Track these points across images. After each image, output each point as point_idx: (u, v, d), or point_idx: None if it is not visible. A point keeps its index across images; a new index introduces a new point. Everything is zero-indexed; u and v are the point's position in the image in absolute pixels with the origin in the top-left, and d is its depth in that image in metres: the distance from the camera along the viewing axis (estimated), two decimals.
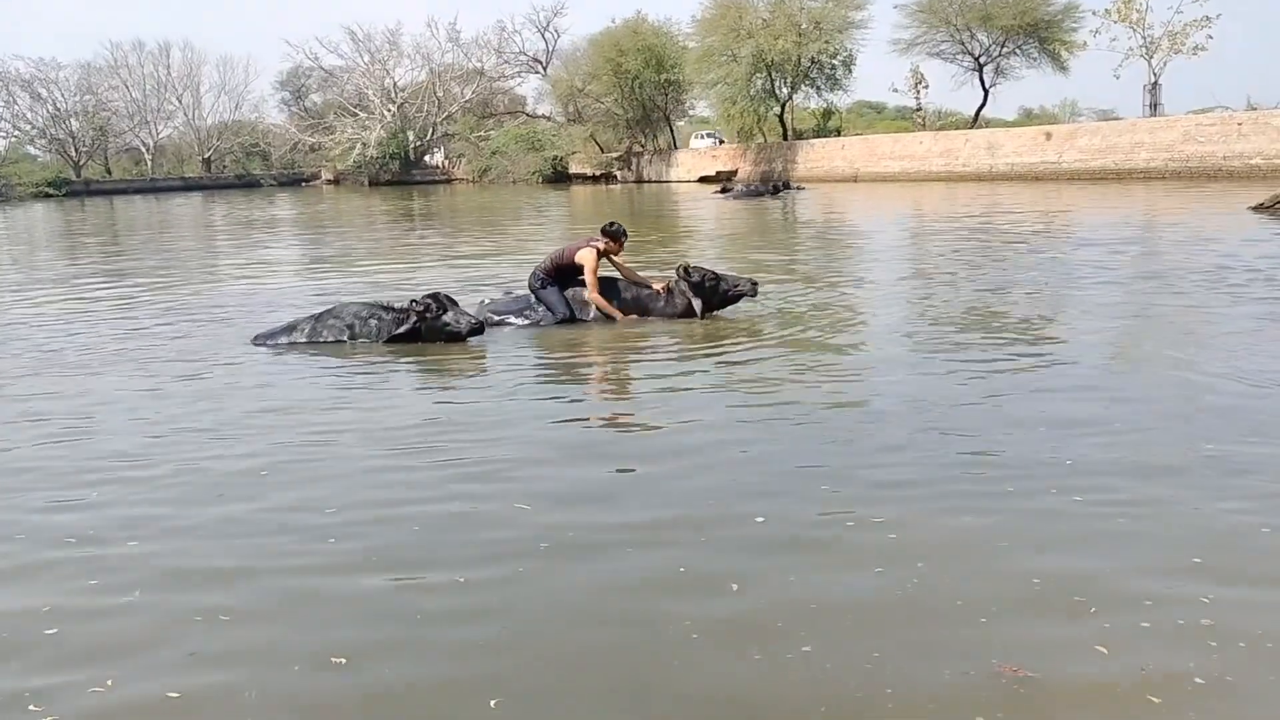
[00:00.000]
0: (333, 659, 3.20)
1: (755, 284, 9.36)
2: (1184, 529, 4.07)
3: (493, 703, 2.92)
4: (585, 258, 9.11)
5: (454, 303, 8.50)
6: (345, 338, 8.50)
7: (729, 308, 9.39)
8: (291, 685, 3.08)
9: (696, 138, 67.91)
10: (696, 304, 9.08)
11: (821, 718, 2.83)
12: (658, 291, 9.29)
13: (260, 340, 8.70)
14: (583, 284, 9.15)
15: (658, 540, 4.07)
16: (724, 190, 40.30)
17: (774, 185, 39.07)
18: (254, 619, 3.51)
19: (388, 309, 8.64)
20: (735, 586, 3.63)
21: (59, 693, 3.07)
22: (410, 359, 8.02)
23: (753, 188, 38.80)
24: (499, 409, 6.34)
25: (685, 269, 9.25)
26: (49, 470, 5.28)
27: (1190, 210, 22.14)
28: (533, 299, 9.30)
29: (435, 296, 8.45)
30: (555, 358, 8.18)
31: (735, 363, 7.51)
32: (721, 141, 60.24)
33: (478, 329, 8.42)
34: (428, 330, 8.33)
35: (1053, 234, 17.67)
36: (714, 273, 9.30)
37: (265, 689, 3.06)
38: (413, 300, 8.48)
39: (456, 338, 8.35)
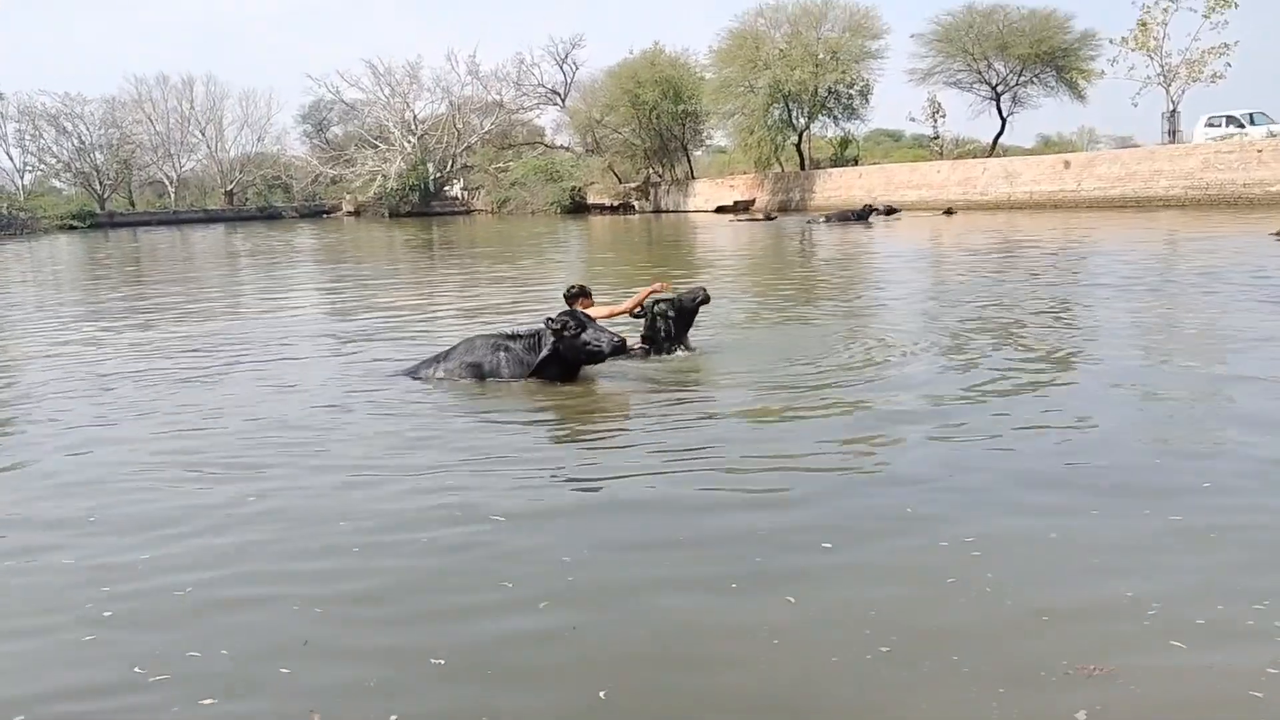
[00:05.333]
0: None
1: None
2: None
3: None
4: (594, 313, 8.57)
5: (591, 319, 7.89)
6: (476, 376, 7.99)
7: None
8: None
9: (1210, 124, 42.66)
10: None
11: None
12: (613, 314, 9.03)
13: (415, 373, 8.31)
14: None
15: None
16: (751, 215, 40.15)
17: (863, 210, 37.14)
18: None
19: (515, 337, 8.11)
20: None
21: None
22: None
23: (841, 215, 36.99)
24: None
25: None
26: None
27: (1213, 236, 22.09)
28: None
29: (572, 313, 7.86)
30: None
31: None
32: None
33: (620, 347, 7.77)
34: (567, 349, 7.72)
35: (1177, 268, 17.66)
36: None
37: None
38: (547, 319, 7.86)
39: (598, 357, 7.76)
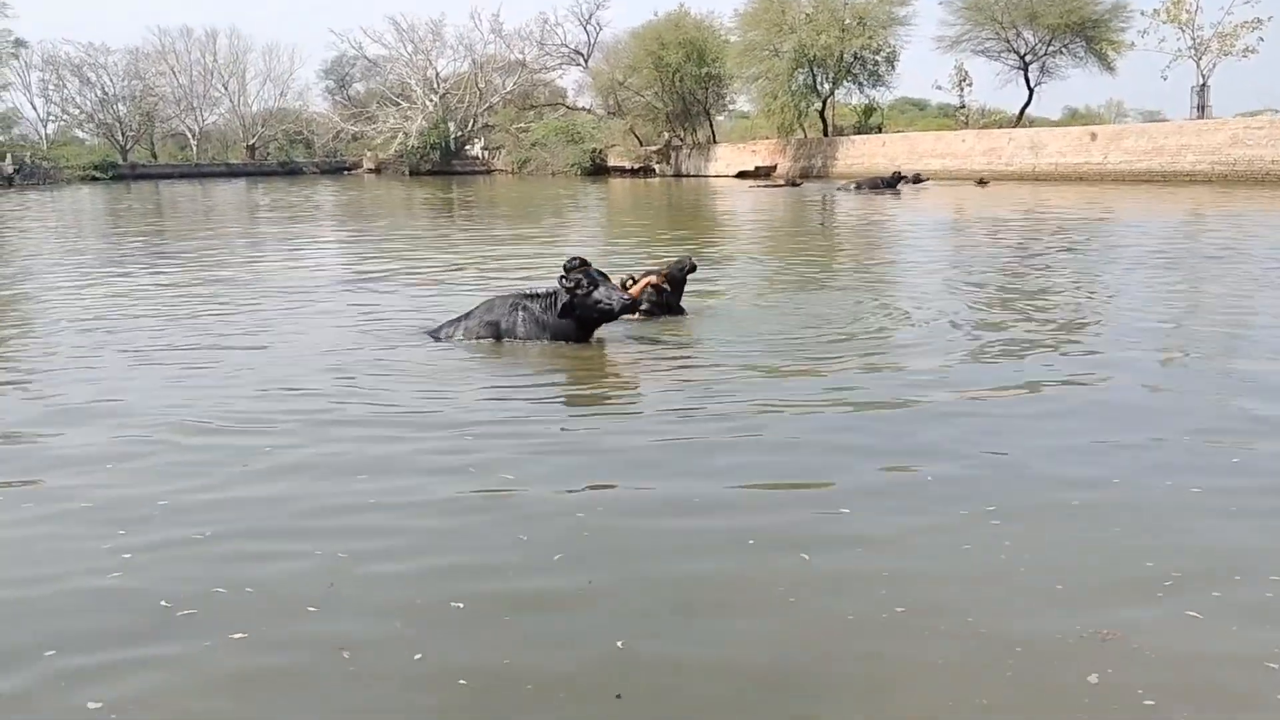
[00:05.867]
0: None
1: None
2: None
3: None
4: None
5: (605, 277, 7.87)
6: (495, 336, 8.01)
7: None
8: None
9: None
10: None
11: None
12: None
13: (436, 333, 8.33)
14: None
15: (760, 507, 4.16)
16: (768, 180, 39.80)
17: (892, 178, 36.88)
18: None
19: (533, 296, 8.11)
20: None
21: None
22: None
23: (871, 182, 36.64)
24: None
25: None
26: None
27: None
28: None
29: (585, 271, 7.80)
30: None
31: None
32: None
33: (630, 307, 7.84)
34: (579, 307, 7.72)
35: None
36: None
37: None
38: (561, 277, 7.83)
39: (609, 315, 7.80)
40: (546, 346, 7.85)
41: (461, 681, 3.01)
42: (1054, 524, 4.14)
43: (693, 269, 9.53)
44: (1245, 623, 3.29)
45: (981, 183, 38.15)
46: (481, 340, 8.03)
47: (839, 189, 36.93)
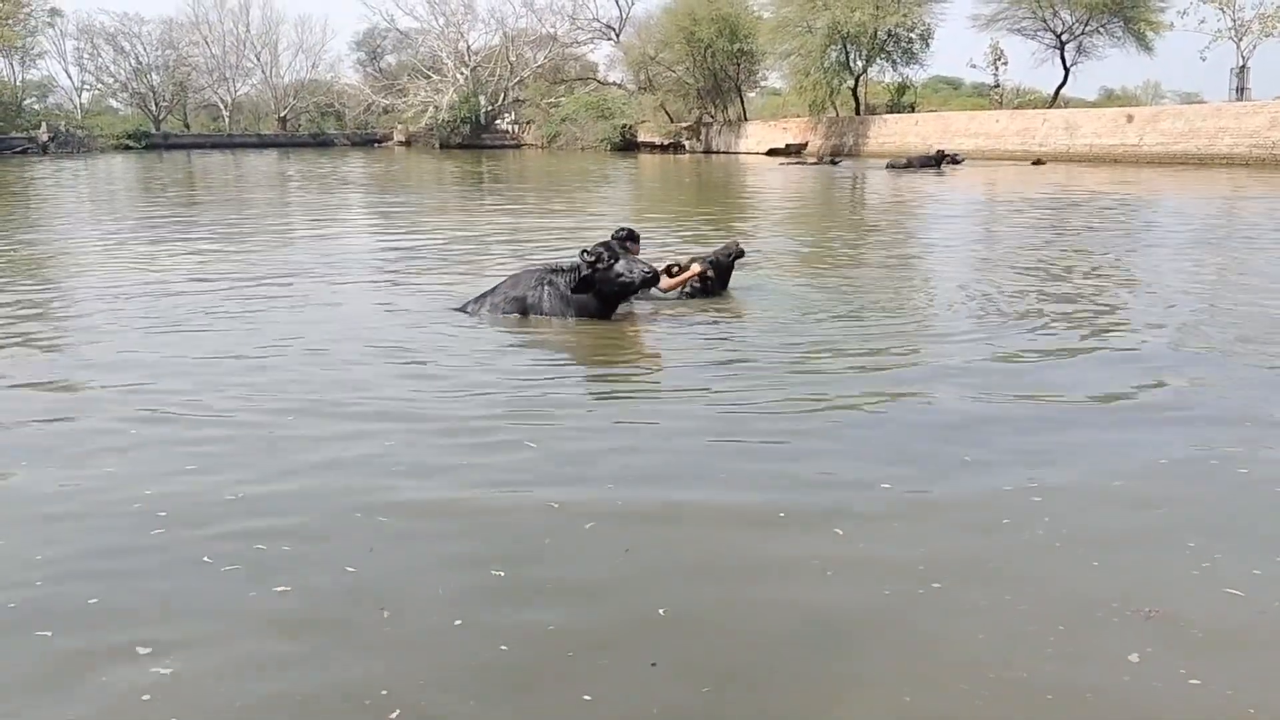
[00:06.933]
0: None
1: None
2: None
3: None
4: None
5: (626, 250, 7.87)
6: (521, 311, 7.98)
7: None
8: None
9: None
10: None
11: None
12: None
13: (465, 308, 8.30)
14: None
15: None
16: (832, 162, 39.08)
17: (936, 156, 36.73)
18: None
19: (559, 271, 8.03)
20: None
21: None
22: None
23: (915, 161, 36.43)
24: None
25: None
26: None
27: None
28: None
29: (607, 245, 7.83)
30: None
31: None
32: None
33: (651, 280, 7.73)
34: (601, 281, 7.67)
35: None
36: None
37: None
38: (583, 251, 7.82)
39: (629, 288, 7.75)
40: (570, 322, 7.81)
41: (503, 647, 3.04)
42: (1096, 501, 4.11)
43: (740, 255, 9.21)
44: None
45: (1038, 162, 37.53)
46: (508, 315, 7.99)
47: (887, 167, 36.43)
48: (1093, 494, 4.21)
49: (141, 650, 3.01)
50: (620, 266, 7.62)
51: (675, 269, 8.81)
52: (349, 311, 8.55)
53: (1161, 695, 2.78)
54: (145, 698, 2.78)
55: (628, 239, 8.79)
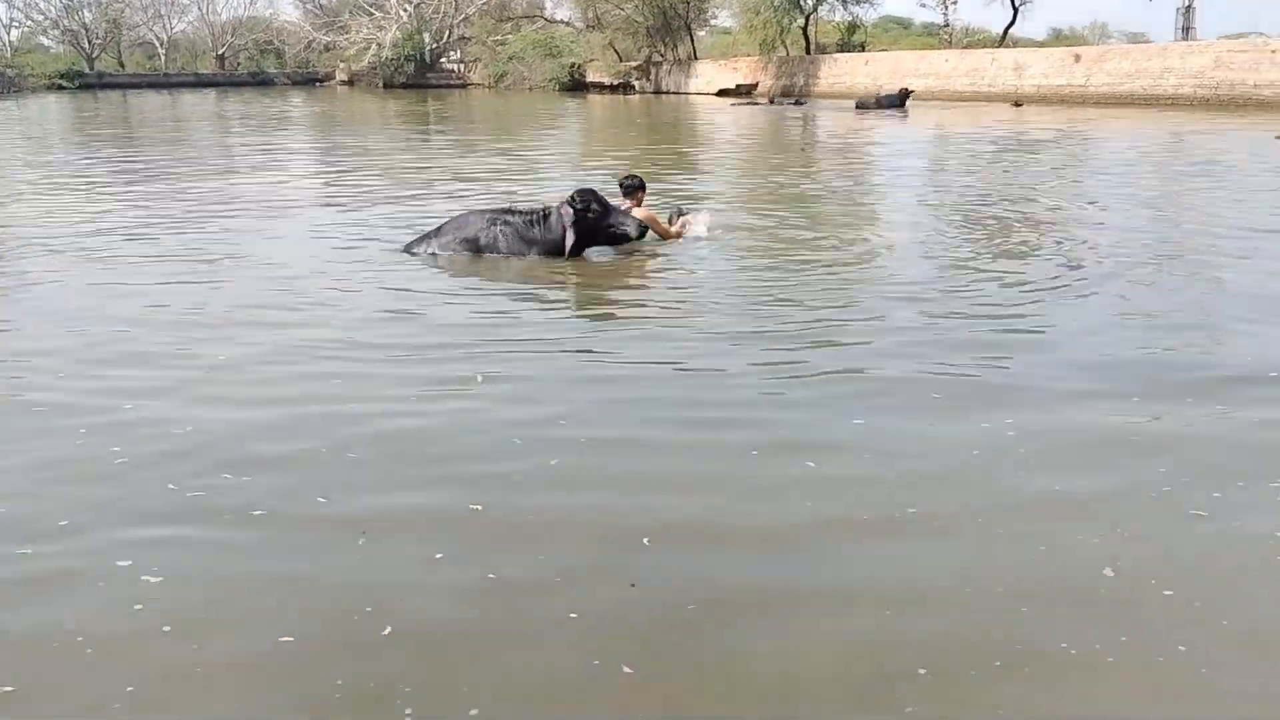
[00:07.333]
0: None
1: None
2: None
3: None
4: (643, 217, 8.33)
5: (606, 202, 7.87)
6: (472, 251, 7.91)
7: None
8: None
9: None
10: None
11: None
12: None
13: (409, 249, 8.19)
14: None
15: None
16: (797, 102, 38.73)
17: (900, 95, 36.45)
18: None
19: (512, 212, 7.99)
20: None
21: None
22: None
23: (880, 101, 36.07)
24: None
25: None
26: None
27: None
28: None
29: (592, 193, 7.80)
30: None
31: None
32: None
33: (643, 232, 7.89)
34: (587, 233, 7.71)
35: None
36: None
37: None
38: (570, 198, 7.77)
39: (623, 239, 7.84)
40: (532, 261, 7.79)
41: (490, 575, 3.07)
42: (1067, 438, 4.16)
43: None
44: (1249, 520, 3.42)
45: (1017, 104, 37.29)
46: (458, 255, 7.93)
47: (857, 107, 36.13)
48: (1066, 433, 4.30)
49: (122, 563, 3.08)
50: (615, 218, 7.82)
51: (676, 216, 8.73)
52: (290, 255, 8.28)
53: None
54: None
55: (639, 188, 8.75)
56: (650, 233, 8.30)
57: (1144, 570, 3.05)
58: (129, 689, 2.52)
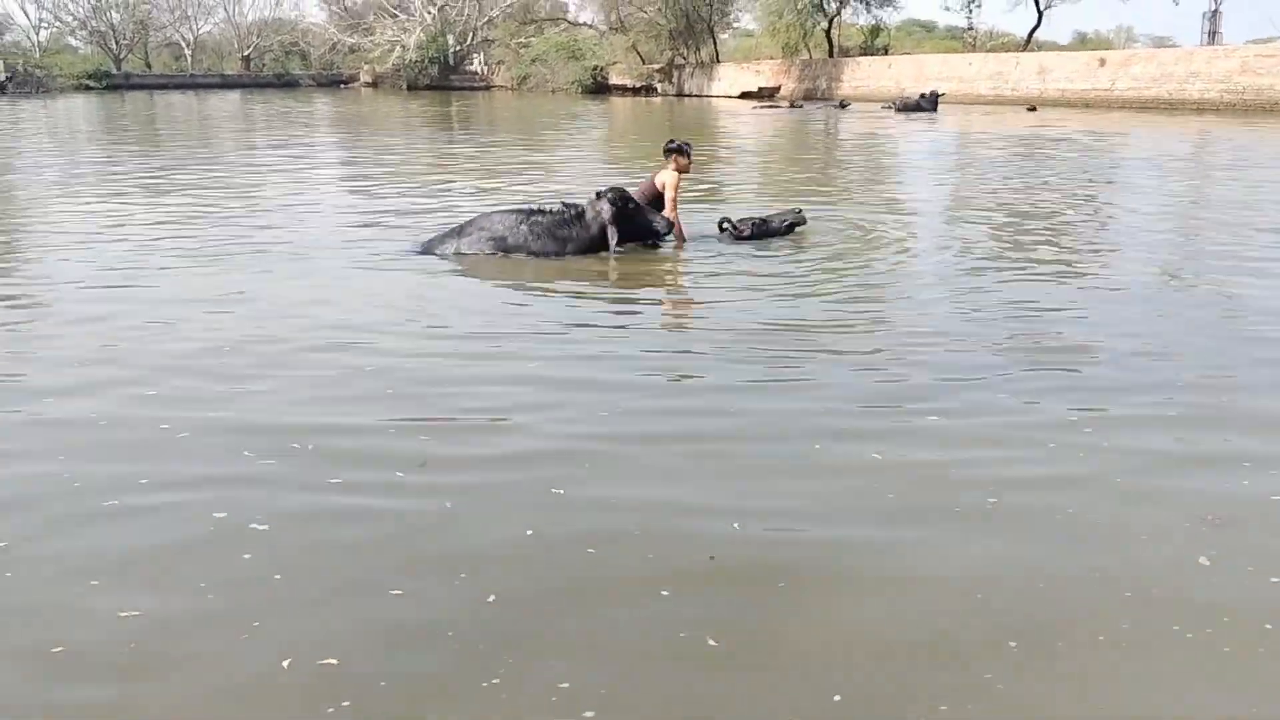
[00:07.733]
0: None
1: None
2: None
3: None
4: (668, 178, 8.61)
5: (688, 158, 8.53)
6: (500, 250, 7.98)
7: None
8: None
9: None
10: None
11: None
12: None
13: (430, 248, 8.25)
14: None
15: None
16: (835, 105, 38.84)
17: (930, 98, 36.54)
18: None
19: (540, 212, 8.10)
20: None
21: None
22: None
23: (910, 104, 36.21)
24: None
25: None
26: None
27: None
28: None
29: (620, 190, 8.03)
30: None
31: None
32: None
33: (670, 228, 8.27)
34: (631, 222, 7.98)
35: None
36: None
37: None
38: (601, 191, 8.08)
39: (653, 235, 8.11)
40: (566, 260, 7.88)
41: (589, 551, 3.23)
42: (1144, 426, 4.26)
43: (802, 223, 8.95)
44: None
45: (1031, 109, 37.17)
46: (487, 254, 7.99)
47: (896, 110, 36.17)
48: (1141, 417, 4.31)
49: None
50: (650, 214, 8.20)
51: (725, 223, 8.73)
52: (314, 255, 8.35)
53: None
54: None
55: (677, 151, 8.74)
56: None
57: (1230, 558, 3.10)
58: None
